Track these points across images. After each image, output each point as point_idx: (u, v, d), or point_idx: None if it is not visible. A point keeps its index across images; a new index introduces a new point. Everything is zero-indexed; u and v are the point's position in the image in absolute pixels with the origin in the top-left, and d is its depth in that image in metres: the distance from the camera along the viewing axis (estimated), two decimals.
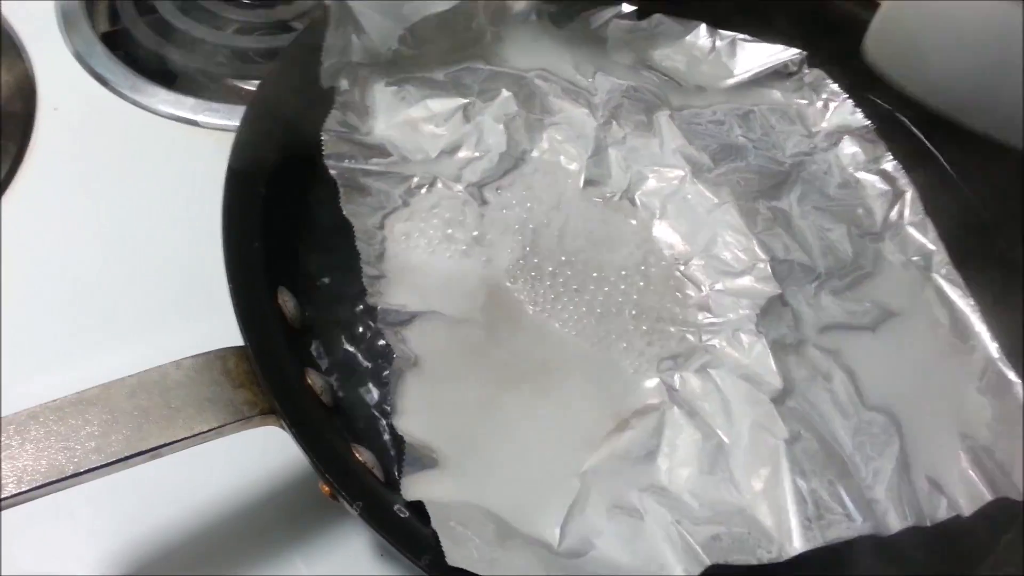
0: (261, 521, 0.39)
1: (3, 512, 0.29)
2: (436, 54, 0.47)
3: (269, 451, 0.40)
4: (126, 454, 0.30)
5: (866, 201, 0.45)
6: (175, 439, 0.31)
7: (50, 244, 0.46)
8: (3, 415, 0.30)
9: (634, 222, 0.43)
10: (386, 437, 0.36)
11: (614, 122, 0.45)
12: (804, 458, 0.35)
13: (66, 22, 0.55)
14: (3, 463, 0.29)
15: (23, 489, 0.29)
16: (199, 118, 0.51)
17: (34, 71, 0.52)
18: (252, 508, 0.40)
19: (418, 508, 0.32)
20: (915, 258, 0.43)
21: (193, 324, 0.39)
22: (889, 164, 0.45)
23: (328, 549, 0.39)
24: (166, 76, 0.54)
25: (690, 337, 0.39)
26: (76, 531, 0.38)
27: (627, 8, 0.50)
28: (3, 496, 0.29)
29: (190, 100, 0.52)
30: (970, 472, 0.37)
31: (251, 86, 0.55)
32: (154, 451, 0.30)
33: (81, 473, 0.30)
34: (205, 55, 0.55)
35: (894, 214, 0.44)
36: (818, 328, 0.40)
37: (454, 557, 0.29)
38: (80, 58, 0.53)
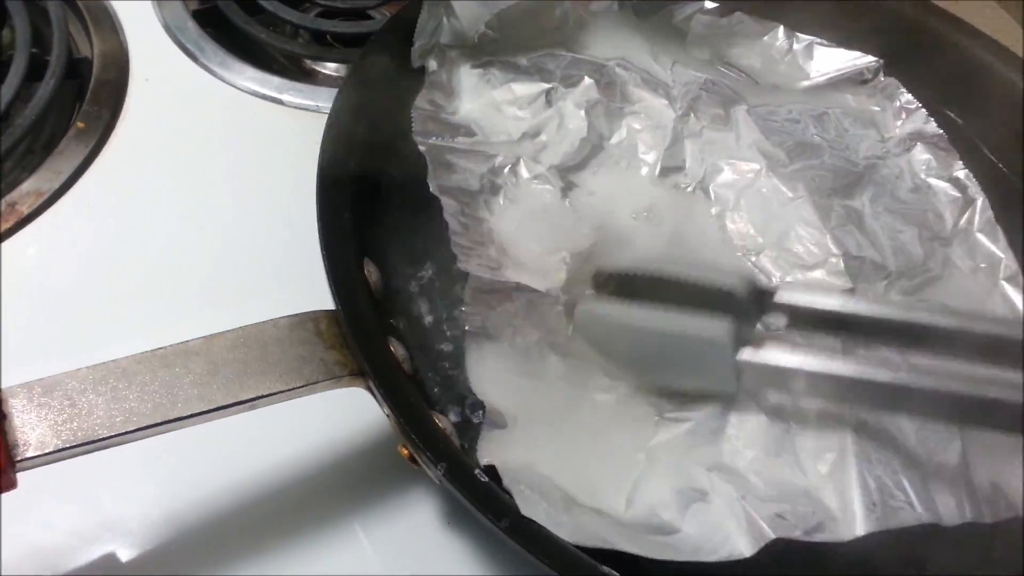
0: (325, 485, 0.40)
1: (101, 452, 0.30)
2: (521, 39, 0.48)
3: (334, 417, 0.41)
4: (227, 402, 0.31)
5: (937, 206, 0.45)
6: (272, 391, 0.32)
7: (140, 207, 0.48)
8: (111, 360, 0.31)
9: (708, 212, 0.44)
10: (458, 408, 0.37)
11: (692, 114, 0.47)
12: (870, 446, 0.36)
13: None
14: (112, 404, 0.30)
15: (129, 429, 0.30)
16: (284, 97, 0.53)
17: (127, 43, 0.54)
18: (318, 472, 0.40)
19: (495, 477, 0.33)
20: (983, 264, 0.43)
21: (277, 290, 0.40)
22: (961, 172, 0.46)
23: (391, 517, 0.39)
24: (253, 54, 0.55)
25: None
26: (155, 477, 0.39)
27: (709, 4, 0.51)
28: (112, 435, 0.30)
29: (276, 79, 0.53)
30: None
31: (327, 69, 0.57)
32: (251, 402, 0.32)
33: (184, 418, 0.31)
34: (288, 36, 0.56)
35: (964, 220, 0.45)
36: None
37: (527, 510, 0.31)
38: (171, 32, 0.55)
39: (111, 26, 0.54)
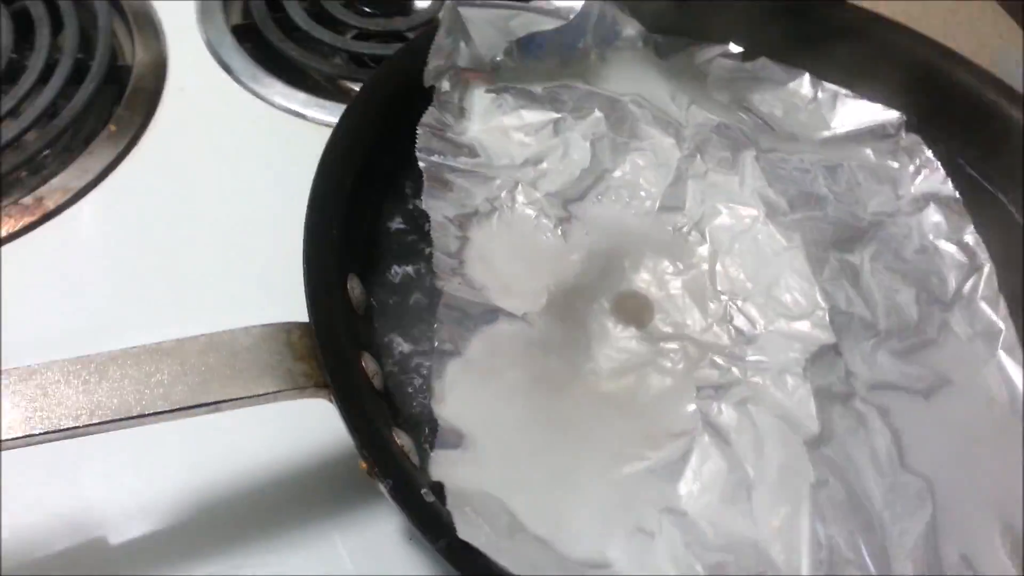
0: (297, 491, 0.41)
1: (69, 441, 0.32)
2: (539, 69, 0.49)
3: (320, 427, 0.41)
4: (188, 404, 0.32)
5: (941, 270, 0.44)
6: (234, 397, 0.33)
7: (157, 209, 0.50)
8: (88, 354, 0.33)
9: (701, 253, 0.44)
10: (427, 429, 0.38)
11: (699, 155, 0.46)
12: (828, 505, 0.35)
13: (203, 12, 0.59)
14: (82, 396, 0.32)
15: (94, 422, 0.32)
16: (307, 112, 0.54)
17: (168, 53, 0.57)
18: (291, 477, 0.41)
19: (444, 496, 0.33)
20: (982, 333, 0.42)
21: (272, 298, 0.41)
22: (971, 237, 0.45)
23: (363, 527, 0.40)
24: (286, 70, 0.57)
25: (735, 371, 0.40)
26: (127, 469, 0.41)
27: (734, 49, 0.51)
28: (75, 425, 0.32)
29: (301, 95, 0.55)
30: (1003, 555, 0.36)
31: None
32: (213, 405, 0.33)
33: (147, 415, 0.32)
34: (323, 56, 0.58)
35: (968, 287, 0.43)
36: (869, 384, 0.40)
37: (465, 532, 0.31)
38: (210, 46, 0.57)
39: (154, 34, 0.57)
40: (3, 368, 0.32)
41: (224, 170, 0.52)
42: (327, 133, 0.52)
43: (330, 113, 0.54)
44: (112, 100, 0.53)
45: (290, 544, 0.39)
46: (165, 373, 0.33)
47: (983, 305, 0.43)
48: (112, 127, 0.51)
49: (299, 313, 0.35)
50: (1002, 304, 0.42)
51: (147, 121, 0.53)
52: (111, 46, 0.54)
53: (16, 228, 0.47)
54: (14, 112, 0.50)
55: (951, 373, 0.41)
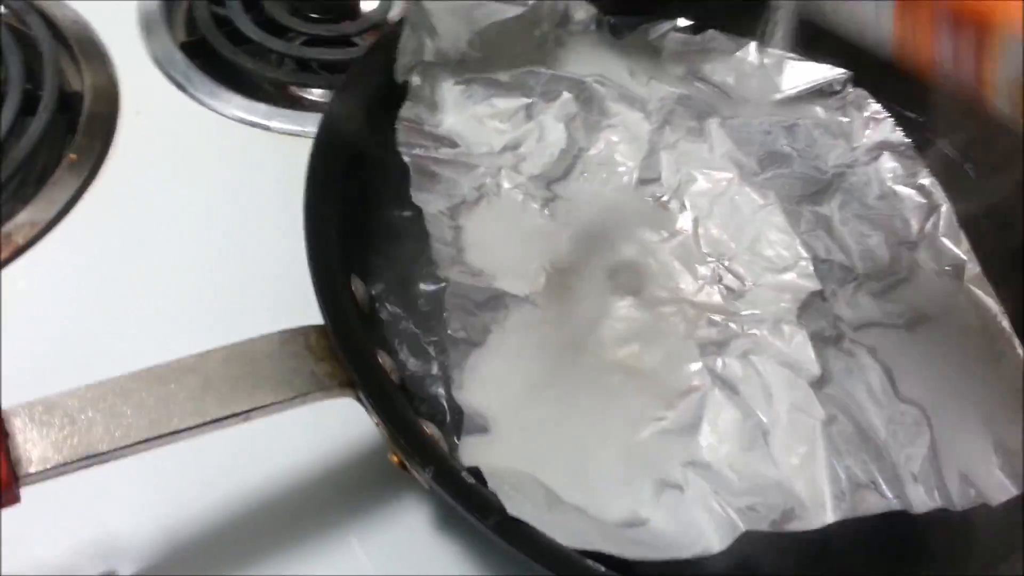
0: (319, 495, 0.41)
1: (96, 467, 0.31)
2: (501, 57, 0.50)
3: (326, 429, 0.42)
4: (220, 415, 0.32)
5: (903, 212, 0.47)
6: (263, 404, 0.33)
7: (133, 234, 0.49)
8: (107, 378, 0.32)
9: (683, 220, 0.46)
10: (448, 417, 0.38)
11: (667, 127, 0.48)
12: (840, 439, 0.37)
13: (147, 31, 0.58)
14: (110, 419, 0.31)
15: (128, 443, 0.31)
16: (271, 123, 0.54)
17: (117, 76, 0.55)
18: (313, 482, 0.41)
19: (482, 480, 0.33)
20: (948, 267, 0.45)
21: (267, 310, 0.40)
22: (926, 179, 0.48)
23: (384, 525, 0.40)
24: (240, 83, 0.57)
25: (733, 326, 0.42)
26: (155, 490, 0.40)
27: (683, 23, 0.54)
28: (110, 448, 0.31)
29: (263, 107, 0.55)
30: (997, 468, 0.39)
31: (313, 95, 0.59)
32: (245, 414, 0.33)
33: (180, 431, 0.32)
34: (273, 65, 0.58)
35: (929, 225, 0.46)
36: (855, 325, 0.42)
37: (514, 509, 0.32)
38: (160, 65, 0.56)
39: (101, 60, 0.55)
40: (26, 401, 0.32)
41: (196, 188, 0.51)
42: (294, 142, 0.53)
43: (293, 122, 0.54)
44: (66, 129, 0.52)
45: (316, 545, 0.40)
46: (191, 388, 0.33)
47: (945, 241, 0.46)
48: (72, 156, 0.50)
49: (300, 318, 0.35)
50: (963, 238, 0.46)
51: (106, 147, 0.52)
52: (58, 74, 0.53)
53: None
54: None
55: (927, 307, 0.44)
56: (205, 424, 0.32)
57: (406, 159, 0.44)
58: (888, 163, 0.49)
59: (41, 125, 0.50)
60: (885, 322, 0.43)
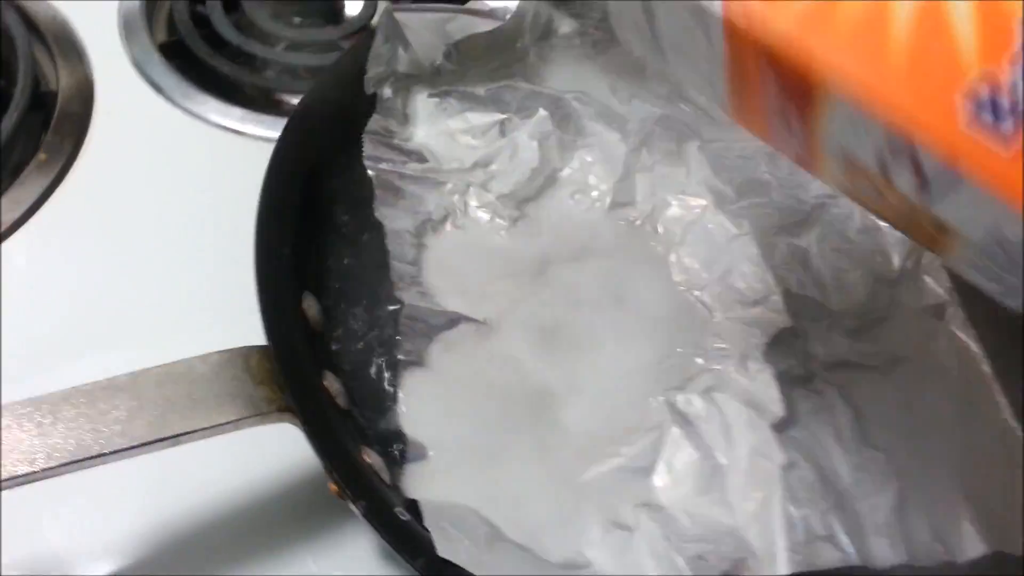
0: (275, 517, 0.40)
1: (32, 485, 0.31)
2: (479, 70, 0.48)
3: (288, 450, 0.40)
4: (149, 439, 0.31)
5: (885, 247, 0.45)
6: (195, 428, 0.32)
7: (95, 238, 0.48)
8: (38, 396, 0.31)
9: (655, 246, 0.44)
10: (393, 444, 0.37)
11: (644, 149, 0.47)
12: (799, 486, 0.36)
13: (127, 31, 0.57)
14: (35, 439, 0.31)
15: (51, 465, 0.30)
16: (245, 128, 0.53)
17: (93, 76, 0.55)
18: (267, 503, 0.40)
19: (419, 513, 0.33)
20: (929, 307, 0.44)
21: (224, 323, 0.38)
22: None
23: (337, 548, 0.40)
24: (217, 87, 0.56)
25: (698, 360, 0.40)
26: (89, 513, 0.39)
27: None
28: (32, 470, 0.30)
29: (237, 111, 0.54)
30: (968, 523, 0.37)
31: (295, 101, 0.57)
32: (174, 438, 0.32)
33: (106, 454, 0.31)
34: (255, 69, 0.57)
35: (911, 262, 0.45)
36: (827, 364, 0.41)
37: (444, 550, 0.31)
38: (138, 65, 0.55)
39: (78, 57, 0.55)
40: None
41: (163, 192, 0.50)
42: (267, 148, 0.51)
43: (268, 128, 0.53)
44: (39, 128, 0.51)
45: (264, 569, 0.39)
46: (122, 409, 0.32)
47: (927, 280, 0.44)
48: (42, 155, 0.49)
49: (256, 336, 0.34)
50: (945, 277, 0.44)
51: (78, 147, 0.51)
52: (33, 72, 0.52)
53: None
54: None
55: (904, 348, 0.42)
56: (133, 448, 0.31)
57: (371, 173, 0.43)
58: None
59: (11, 124, 0.49)
60: (859, 362, 0.41)
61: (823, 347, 0.41)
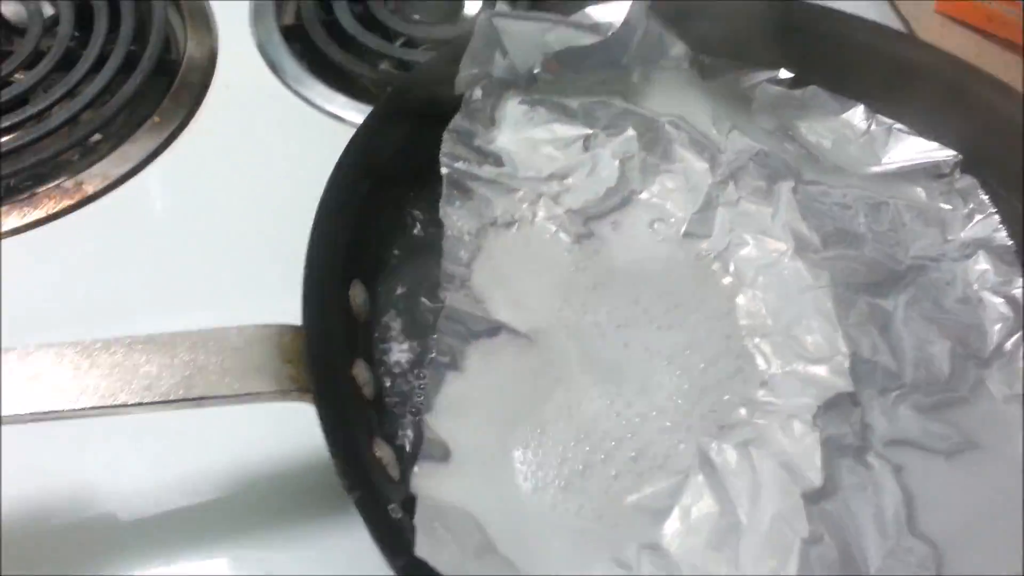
0: (284, 496, 0.40)
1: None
2: (577, 83, 0.47)
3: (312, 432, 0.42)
4: (172, 397, 0.33)
5: (983, 323, 0.41)
6: (217, 394, 0.33)
7: (188, 203, 0.51)
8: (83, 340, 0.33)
9: (722, 284, 0.42)
10: (413, 441, 0.37)
11: (732, 182, 0.44)
12: (818, 564, 0.33)
13: (256, 11, 0.59)
14: (71, 380, 0.32)
15: (80, 406, 0.32)
16: (346, 115, 0.54)
17: (218, 49, 0.57)
18: (279, 481, 0.41)
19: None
20: (1020, 394, 0.39)
21: (280, 299, 0.38)
22: (1020, 290, 0.42)
23: (339, 535, 0.39)
24: (332, 74, 0.57)
25: (742, 411, 0.38)
26: (106, 457, 0.41)
27: (784, 75, 0.49)
28: (62, 409, 0.32)
29: (341, 98, 0.55)
30: None
31: None
32: (197, 400, 0.33)
33: (130, 405, 0.32)
34: (370, 61, 0.58)
35: (1010, 344, 0.40)
36: (886, 439, 0.37)
37: (423, 550, 0.30)
38: (260, 45, 0.58)
39: (207, 31, 0.58)
40: (3, 348, 0.33)
41: (260, 168, 0.52)
42: None
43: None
44: (161, 92, 0.54)
45: (278, 543, 0.39)
46: (154, 365, 0.33)
47: None
48: (157, 118, 0.53)
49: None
50: None
51: (191, 114, 0.54)
52: (163, 39, 0.55)
53: (55, 210, 0.48)
54: (71, 94, 0.52)
55: (979, 435, 0.38)
56: (155, 403, 0.33)
57: (444, 170, 0.43)
58: (982, 264, 0.43)
59: (134, 86, 0.52)
60: (924, 443, 0.37)
61: (886, 420, 0.38)
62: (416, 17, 0.61)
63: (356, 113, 0.54)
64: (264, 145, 0.53)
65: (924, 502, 0.36)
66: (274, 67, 0.56)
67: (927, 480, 0.36)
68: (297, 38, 0.58)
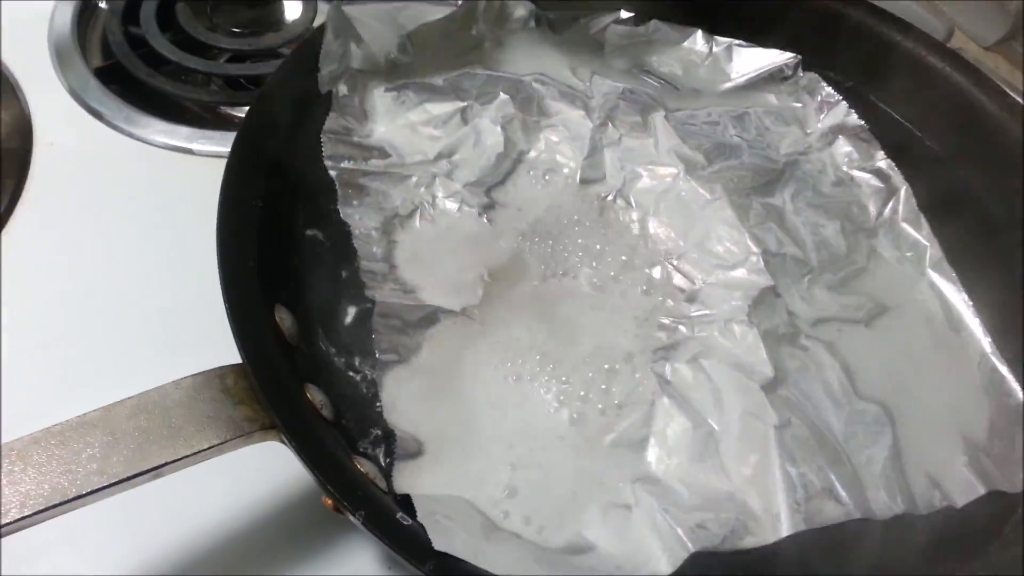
0: (267, 539, 0.39)
1: (7, 538, 0.29)
2: (436, 60, 0.48)
3: (272, 468, 0.40)
4: (128, 474, 0.30)
5: (860, 198, 0.45)
6: (176, 457, 0.31)
7: (50, 275, 0.47)
8: (4, 442, 0.30)
9: (628, 219, 0.44)
10: (383, 447, 0.36)
11: (610, 123, 0.46)
12: (794, 444, 0.35)
13: (60, 59, 0.56)
14: (5, 488, 0.29)
15: (26, 513, 0.29)
16: (194, 146, 0.52)
17: (30, 108, 0.53)
18: (258, 526, 0.39)
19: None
20: (908, 253, 0.43)
21: (195, 347, 0.38)
22: (883, 162, 0.46)
23: (336, 563, 0.39)
24: (161, 107, 0.54)
25: (682, 328, 0.40)
26: (81, 555, 0.38)
27: (625, 14, 0.51)
28: (6, 521, 0.29)
29: (184, 129, 0.53)
30: (964, 466, 0.37)
31: (243, 113, 0.56)
32: (155, 470, 0.31)
33: (84, 495, 0.30)
34: (198, 85, 0.56)
35: (888, 210, 0.44)
36: (812, 320, 0.40)
37: (440, 543, 0.30)
38: (74, 93, 0.54)
39: (11, 91, 0.53)
40: None
41: (116, 221, 0.49)
42: (219, 164, 0.49)
43: (218, 143, 0.52)
44: None
45: None
46: (96, 446, 0.30)
47: (905, 226, 0.44)
48: None
49: (230, 355, 0.33)
50: (923, 222, 0.43)
51: (21, 183, 0.49)
52: None
53: None
54: None
55: (886, 298, 0.42)
56: (112, 485, 0.30)
57: (332, 173, 0.42)
58: (843, 147, 0.47)
59: None
60: (843, 316, 0.41)
61: (806, 304, 0.41)
62: (236, 31, 0.59)
63: (204, 141, 0.52)
64: (112, 196, 0.50)
65: (860, 368, 0.39)
66: (96, 114, 0.53)
67: (856, 348, 0.39)
68: (113, 78, 0.55)
